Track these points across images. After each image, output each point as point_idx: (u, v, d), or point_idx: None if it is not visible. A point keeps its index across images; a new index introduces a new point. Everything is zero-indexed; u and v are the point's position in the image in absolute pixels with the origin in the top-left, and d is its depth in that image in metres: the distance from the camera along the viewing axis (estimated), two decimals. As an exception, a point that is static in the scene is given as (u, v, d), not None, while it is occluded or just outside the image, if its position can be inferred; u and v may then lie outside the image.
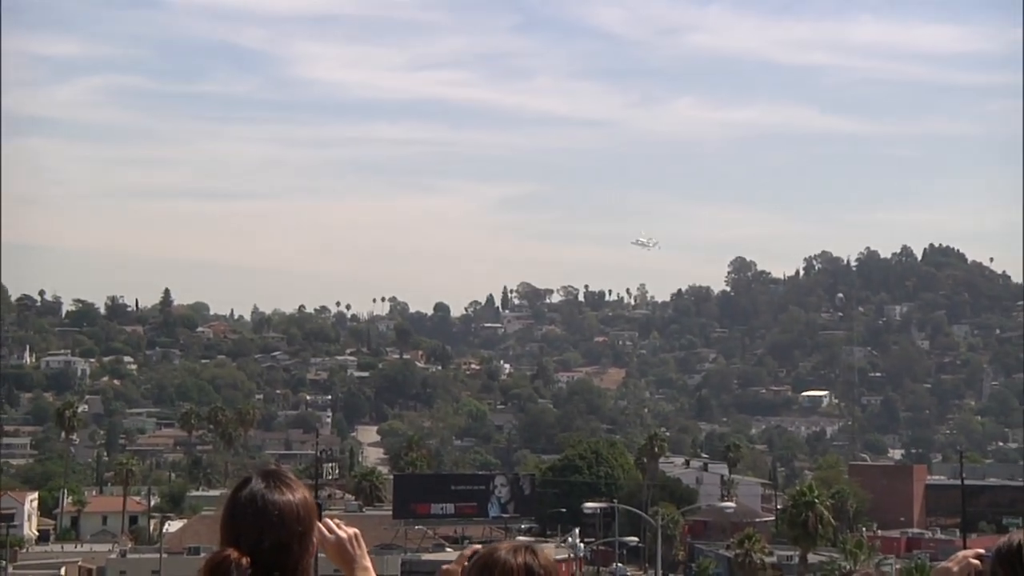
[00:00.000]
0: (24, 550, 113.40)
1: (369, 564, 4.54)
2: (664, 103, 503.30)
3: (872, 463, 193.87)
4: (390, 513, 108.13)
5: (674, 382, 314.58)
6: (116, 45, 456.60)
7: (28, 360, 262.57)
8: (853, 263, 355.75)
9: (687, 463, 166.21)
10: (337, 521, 4.53)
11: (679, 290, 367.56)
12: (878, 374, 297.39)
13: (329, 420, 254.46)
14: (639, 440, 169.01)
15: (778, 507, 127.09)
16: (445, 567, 4.23)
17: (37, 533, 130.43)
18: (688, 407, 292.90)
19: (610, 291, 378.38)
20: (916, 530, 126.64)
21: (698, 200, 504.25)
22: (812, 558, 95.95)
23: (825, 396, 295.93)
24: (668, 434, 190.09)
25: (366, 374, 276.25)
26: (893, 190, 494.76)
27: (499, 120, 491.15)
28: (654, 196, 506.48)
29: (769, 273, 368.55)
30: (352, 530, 4.54)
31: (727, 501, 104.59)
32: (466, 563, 4.16)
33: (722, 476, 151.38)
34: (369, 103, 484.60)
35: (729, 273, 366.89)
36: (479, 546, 4.21)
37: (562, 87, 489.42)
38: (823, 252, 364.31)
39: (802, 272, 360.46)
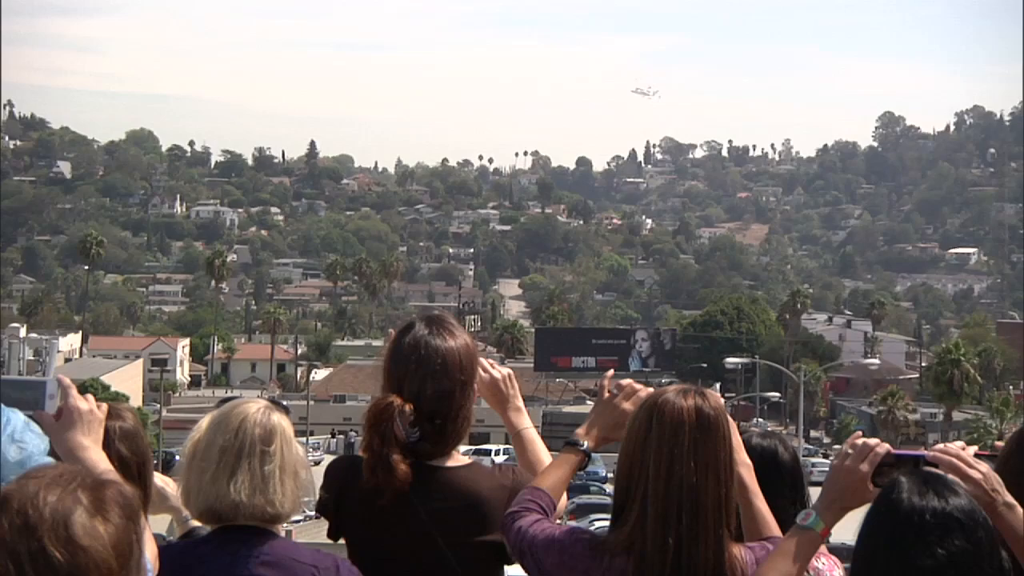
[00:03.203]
0: (177, 394, 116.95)
1: (522, 405, 4.49)
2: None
3: (1021, 321, 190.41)
4: (531, 366, 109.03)
5: (818, 238, 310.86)
6: None
7: (179, 210, 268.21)
8: (1006, 118, 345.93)
9: (830, 320, 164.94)
10: (491, 361, 4.47)
11: (824, 145, 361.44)
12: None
13: (471, 273, 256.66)
14: (781, 296, 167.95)
15: (923, 365, 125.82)
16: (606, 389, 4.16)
17: (189, 378, 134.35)
18: (832, 264, 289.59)
19: (754, 146, 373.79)
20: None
21: (846, 53, 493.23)
22: (957, 416, 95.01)
23: (974, 253, 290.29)
24: (811, 291, 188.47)
25: (508, 228, 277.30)
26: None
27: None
28: (800, 49, 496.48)
29: (918, 128, 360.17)
30: (506, 370, 4.48)
31: (871, 358, 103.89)
32: (607, 392, 4.09)
33: (865, 333, 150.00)
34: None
35: (876, 128, 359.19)
36: (624, 381, 4.15)
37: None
38: (975, 107, 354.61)
39: (952, 127, 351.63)
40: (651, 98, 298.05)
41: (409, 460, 3.96)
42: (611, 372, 4.31)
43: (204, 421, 3.76)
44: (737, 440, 3.68)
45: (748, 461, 3.81)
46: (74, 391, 3.45)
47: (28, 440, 2.67)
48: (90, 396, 3.50)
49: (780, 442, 4.61)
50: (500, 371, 4.43)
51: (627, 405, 3.98)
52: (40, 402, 3.37)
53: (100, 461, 3.37)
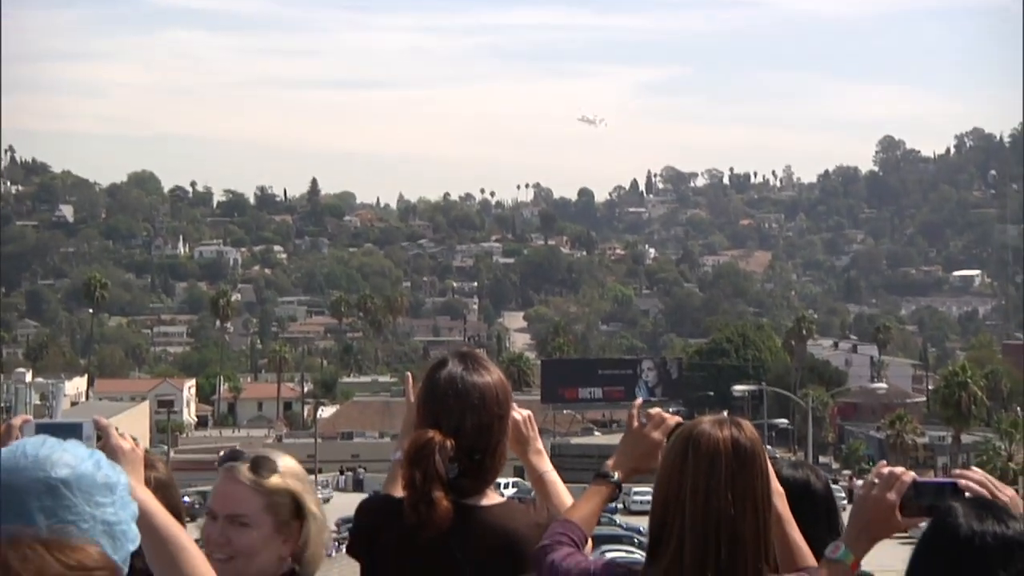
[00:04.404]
0: (184, 435, 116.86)
1: (542, 447, 4.40)
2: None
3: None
4: (538, 398, 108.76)
5: (822, 264, 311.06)
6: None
7: (182, 250, 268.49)
8: (1006, 139, 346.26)
9: (836, 345, 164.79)
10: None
11: (826, 171, 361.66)
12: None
13: (476, 307, 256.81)
14: (787, 323, 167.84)
15: (930, 388, 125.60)
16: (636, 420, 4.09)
17: (196, 419, 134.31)
18: (836, 289, 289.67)
19: (755, 173, 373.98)
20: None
21: (844, 78, 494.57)
22: (965, 438, 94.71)
23: (977, 275, 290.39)
24: (816, 316, 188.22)
25: (511, 260, 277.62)
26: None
27: (642, 3, 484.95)
28: (799, 75, 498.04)
29: (919, 151, 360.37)
30: (526, 412, 4.38)
31: (878, 382, 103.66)
32: (636, 421, 4.01)
33: (872, 357, 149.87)
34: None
35: (877, 152, 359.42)
36: (645, 404, 4.10)
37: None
38: (974, 129, 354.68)
39: (953, 150, 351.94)
40: (597, 126, 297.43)
41: (451, 497, 3.92)
42: (639, 401, 4.25)
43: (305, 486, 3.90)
44: (771, 470, 3.63)
45: (781, 490, 3.75)
46: (114, 430, 3.39)
47: (112, 473, 2.62)
48: (128, 435, 3.45)
49: (811, 471, 4.56)
50: (520, 413, 4.33)
51: (656, 434, 3.95)
52: None
53: (149, 499, 3.27)
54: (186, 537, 3.29)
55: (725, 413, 3.72)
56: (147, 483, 3.79)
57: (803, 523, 3.87)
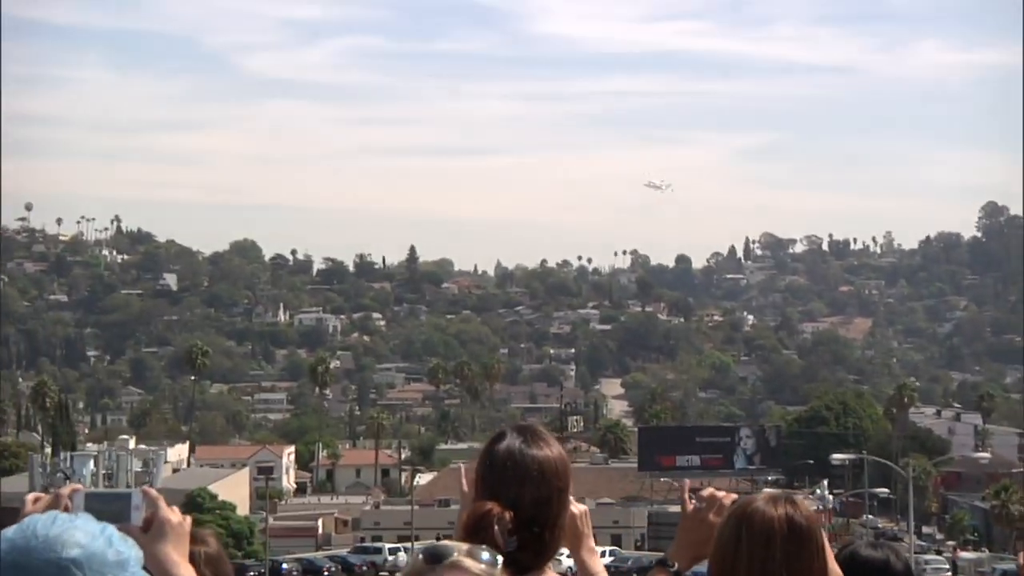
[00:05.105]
0: (283, 502, 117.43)
1: (594, 545, 4.30)
2: (907, 47, 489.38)
3: None
4: (635, 465, 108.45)
5: (923, 331, 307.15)
6: (358, 6, 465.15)
7: (282, 318, 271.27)
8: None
9: (938, 413, 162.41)
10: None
11: (927, 237, 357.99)
12: None
13: (573, 373, 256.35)
14: (887, 390, 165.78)
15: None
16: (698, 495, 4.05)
17: (295, 485, 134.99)
18: (938, 356, 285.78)
19: (855, 239, 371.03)
20: None
21: (945, 144, 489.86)
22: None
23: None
24: (918, 384, 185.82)
25: (608, 327, 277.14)
26: None
27: (737, 69, 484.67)
28: (898, 142, 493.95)
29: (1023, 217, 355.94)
30: (582, 507, 4.29)
31: (981, 451, 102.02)
32: (692, 504, 4.02)
33: (976, 426, 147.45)
34: (605, 56, 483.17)
35: (980, 218, 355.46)
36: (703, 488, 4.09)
37: (802, 34, 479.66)
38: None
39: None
40: (663, 192, 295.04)
41: (509, 571, 3.71)
42: (687, 483, 4.25)
43: None
44: (829, 549, 3.52)
45: (839, 571, 3.64)
46: (163, 502, 3.27)
47: (124, 549, 2.58)
48: (175, 508, 3.33)
49: (891, 551, 4.52)
50: (577, 507, 4.23)
51: (714, 518, 3.89)
52: (125, 514, 3.19)
53: None
54: None
55: (826, 482, 3.73)
56: (196, 559, 3.79)
57: None
